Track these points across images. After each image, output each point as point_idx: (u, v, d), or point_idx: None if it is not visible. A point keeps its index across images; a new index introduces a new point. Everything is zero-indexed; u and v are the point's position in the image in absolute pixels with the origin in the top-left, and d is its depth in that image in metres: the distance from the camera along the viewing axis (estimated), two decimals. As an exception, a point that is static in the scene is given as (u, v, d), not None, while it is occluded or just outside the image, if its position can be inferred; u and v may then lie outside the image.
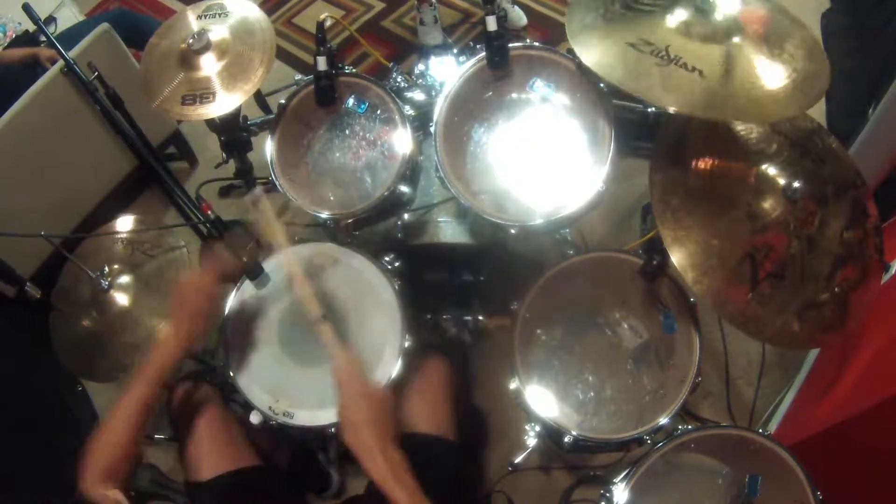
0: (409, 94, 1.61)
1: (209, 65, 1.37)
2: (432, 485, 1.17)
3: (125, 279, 1.49)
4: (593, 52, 1.10)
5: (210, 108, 1.35)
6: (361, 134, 1.45)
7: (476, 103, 1.36)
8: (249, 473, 1.25)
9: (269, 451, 1.37)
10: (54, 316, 1.53)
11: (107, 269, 1.47)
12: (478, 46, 1.37)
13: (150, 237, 1.55)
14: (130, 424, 1.08)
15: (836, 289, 1.13)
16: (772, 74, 1.05)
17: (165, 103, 1.35)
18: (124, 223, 1.61)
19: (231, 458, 1.24)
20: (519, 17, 2.62)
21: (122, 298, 1.47)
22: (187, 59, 1.38)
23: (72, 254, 1.50)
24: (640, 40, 1.08)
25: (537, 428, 1.34)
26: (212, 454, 1.23)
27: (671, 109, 1.02)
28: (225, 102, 1.35)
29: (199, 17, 1.42)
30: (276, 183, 1.42)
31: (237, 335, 1.35)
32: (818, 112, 2.05)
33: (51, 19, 2.58)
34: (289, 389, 1.28)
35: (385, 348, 1.29)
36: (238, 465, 1.24)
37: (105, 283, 1.45)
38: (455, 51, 1.63)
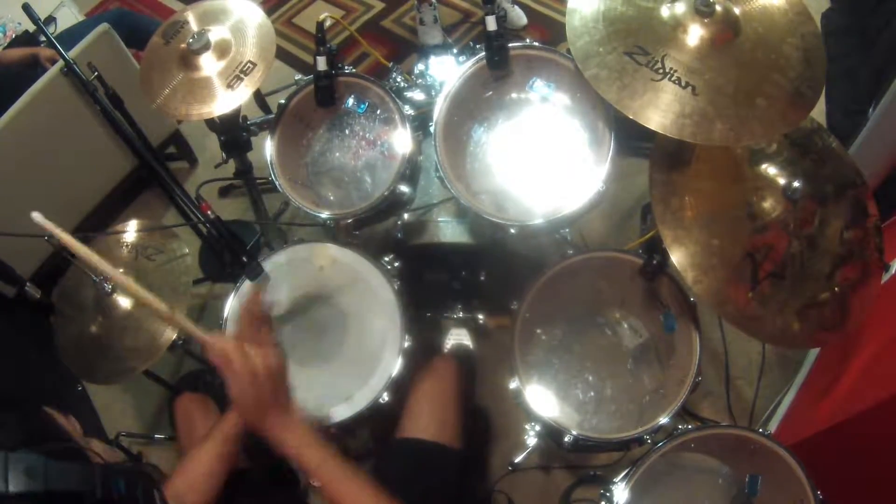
0: (408, 94, 1.61)
1: (209, 65, 1.37)
2: (434, 492, 1.17)
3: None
4: (592, 63, 1.10)
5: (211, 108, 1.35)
6: (361, 134, 1.45)
7: (476, 103, 1.36)
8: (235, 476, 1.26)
9: (248, 454, 1.38)
10: (58, 320, 1.54)
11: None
12: (478, 46, 1.37)
13: (154, 241, 1.55)
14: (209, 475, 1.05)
15: (836, 289, 1.13)
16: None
17: (166, 103, 1.36)
18: (128, 225, 1.61)
19: None
20: (519, 17, 2.62)
21: (124, 302, 1.47)
22: (187, 59, 1.38)
23: (75, 257, 1.50)
24: (637, 48, 1.08)
25: (537, 427, 1.34)
26: None
27: (660, 131, 1.02)
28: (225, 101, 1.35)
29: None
30: (276, 183, 1.42)
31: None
32: (818, 112, 2.05)
33: (51, 19, 2.58)
34: (288, 390, 1.28)
35: (385, 348, 1.29)
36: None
37: (108, 287, 1.45)
38: (455, 51, 1.63)
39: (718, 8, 1.08)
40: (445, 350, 1.74)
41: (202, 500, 1.04)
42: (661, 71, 1.06)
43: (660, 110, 1.03)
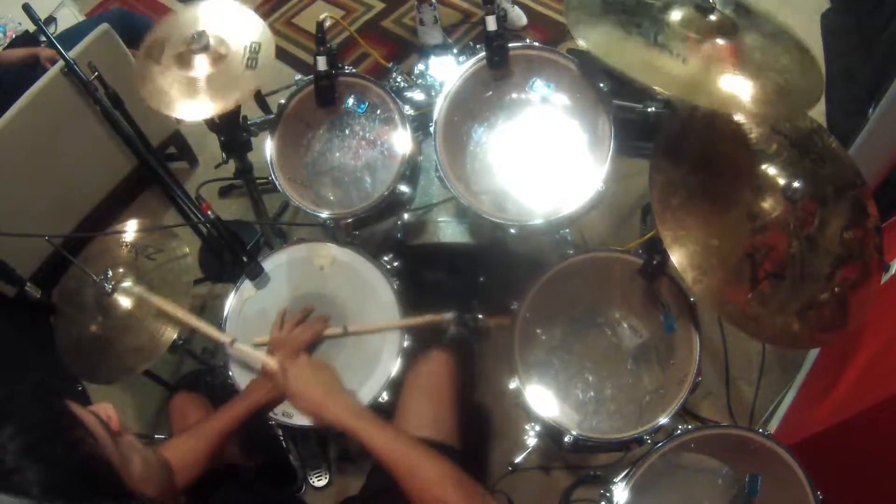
0: (408, 94, 1.62)
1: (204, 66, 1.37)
2: None
3: (128, 283, 1.49)
4: (585, 29, 1.10)
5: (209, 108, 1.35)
6: (361, 134, 1.45)
7: (476, 103, 1.36)
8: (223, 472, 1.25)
9: (244, 451, 1.38)
10: (59, 320, 1.54)
11: (110, 272, 1.47)
12: (478, 46, 1.37)
13: (154, 241, 1.55)
14: (210, 443, 1.12)
15: (836, 289, 1.13)
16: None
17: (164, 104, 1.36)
18: (128, 226, 1.61)
19: None
20: (519, 17, 2.63)
21: (125, 302, 1.46)
22: (186, 60, 1.38)
23: (75, 256, 1.50)
24: (633, 25, 1.09)
25: (537, 428, 1.34)
26: None
27: (655, 88, 1.02)
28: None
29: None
30: (276, 183, 1.42)
31: (236, 335, 1.35)
32: (818, 112, 2.05)
33: (51, 19, 2.58)
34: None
35: (384, 348, 1.29)
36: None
37: (109, 287, 1.45)
38: (455, 51, 1.63)
39: (716, 13, 1.08)
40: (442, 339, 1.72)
41: (187, 480, 1.06)
42: (652, 42, 1.06)
43: (653, 67, 1.04)
